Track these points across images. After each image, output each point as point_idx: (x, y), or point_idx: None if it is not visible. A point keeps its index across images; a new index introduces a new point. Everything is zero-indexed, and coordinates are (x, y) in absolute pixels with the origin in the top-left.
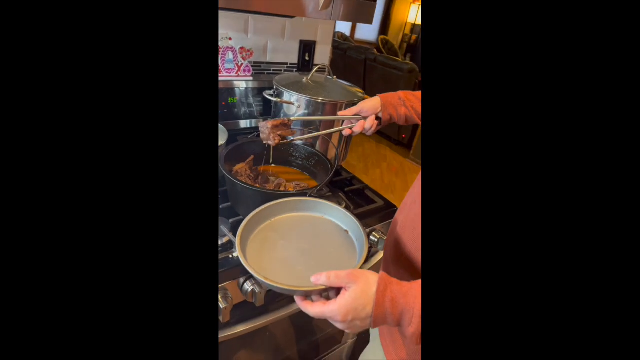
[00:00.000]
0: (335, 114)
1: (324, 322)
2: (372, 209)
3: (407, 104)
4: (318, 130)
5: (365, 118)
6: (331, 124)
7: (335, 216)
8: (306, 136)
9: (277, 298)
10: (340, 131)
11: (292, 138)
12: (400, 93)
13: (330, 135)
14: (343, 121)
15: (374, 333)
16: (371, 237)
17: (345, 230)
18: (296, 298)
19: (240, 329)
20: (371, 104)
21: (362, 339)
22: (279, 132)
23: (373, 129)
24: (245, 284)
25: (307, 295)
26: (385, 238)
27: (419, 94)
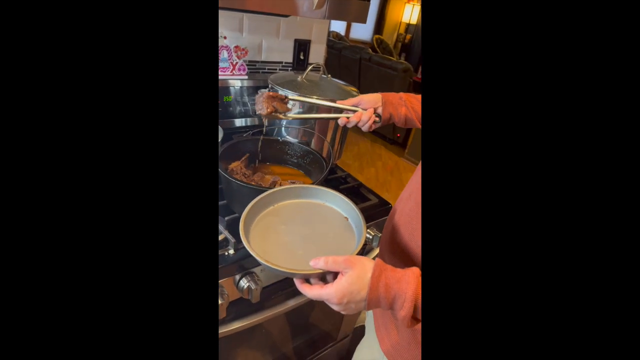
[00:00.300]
0: (330, 113)
1: (319, 320)
2: (366, 207)
3: (408, 104)
4: (313, 130)
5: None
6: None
7: (336, 203)
8: (300, 116)
9: (272, 295)
10: (336, 119)
11: (285, 114)
12: (402, 94)
13: (325, 133)
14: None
15: (370, 327)
16: (366, 235)
17: (345, 218)
18: (295, 280)
19: (236, 325)
20: (371, 98)
21: (357, 336)
22: (273, 103)
23: (370, 123)
24: (241, 280)
25: (306, 278)
26: (380, 235)
27: (419, 96)
